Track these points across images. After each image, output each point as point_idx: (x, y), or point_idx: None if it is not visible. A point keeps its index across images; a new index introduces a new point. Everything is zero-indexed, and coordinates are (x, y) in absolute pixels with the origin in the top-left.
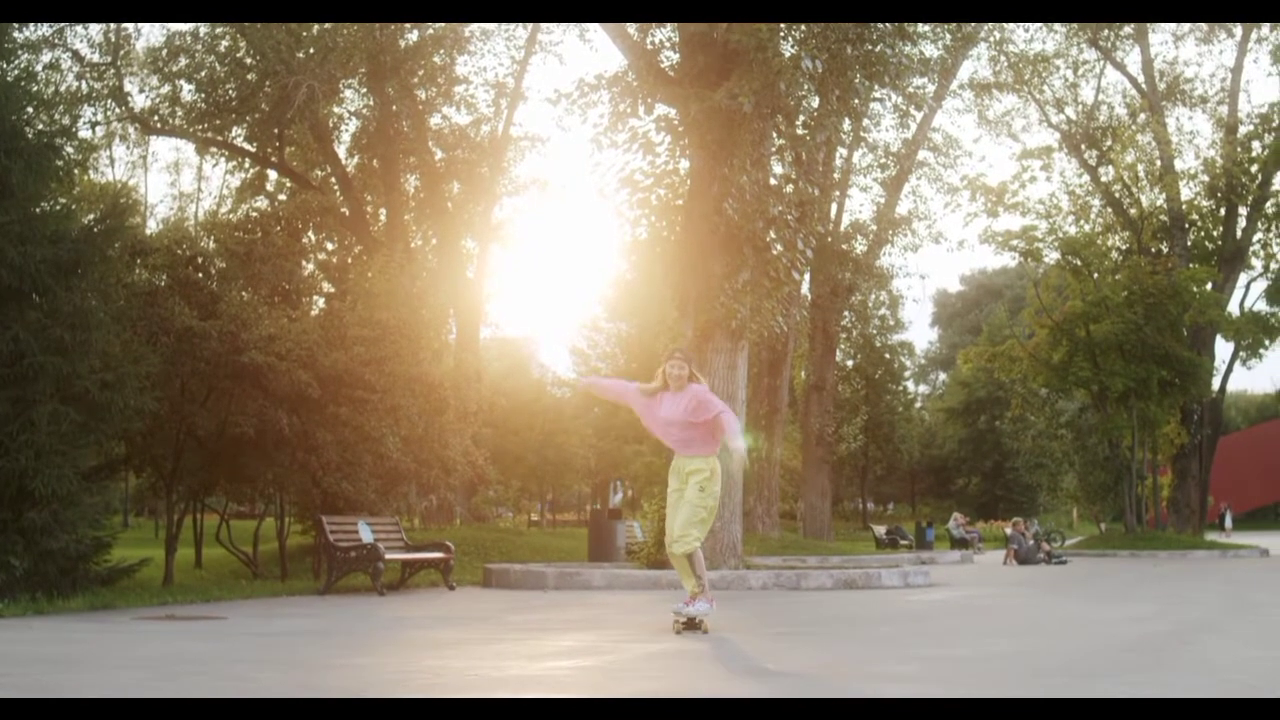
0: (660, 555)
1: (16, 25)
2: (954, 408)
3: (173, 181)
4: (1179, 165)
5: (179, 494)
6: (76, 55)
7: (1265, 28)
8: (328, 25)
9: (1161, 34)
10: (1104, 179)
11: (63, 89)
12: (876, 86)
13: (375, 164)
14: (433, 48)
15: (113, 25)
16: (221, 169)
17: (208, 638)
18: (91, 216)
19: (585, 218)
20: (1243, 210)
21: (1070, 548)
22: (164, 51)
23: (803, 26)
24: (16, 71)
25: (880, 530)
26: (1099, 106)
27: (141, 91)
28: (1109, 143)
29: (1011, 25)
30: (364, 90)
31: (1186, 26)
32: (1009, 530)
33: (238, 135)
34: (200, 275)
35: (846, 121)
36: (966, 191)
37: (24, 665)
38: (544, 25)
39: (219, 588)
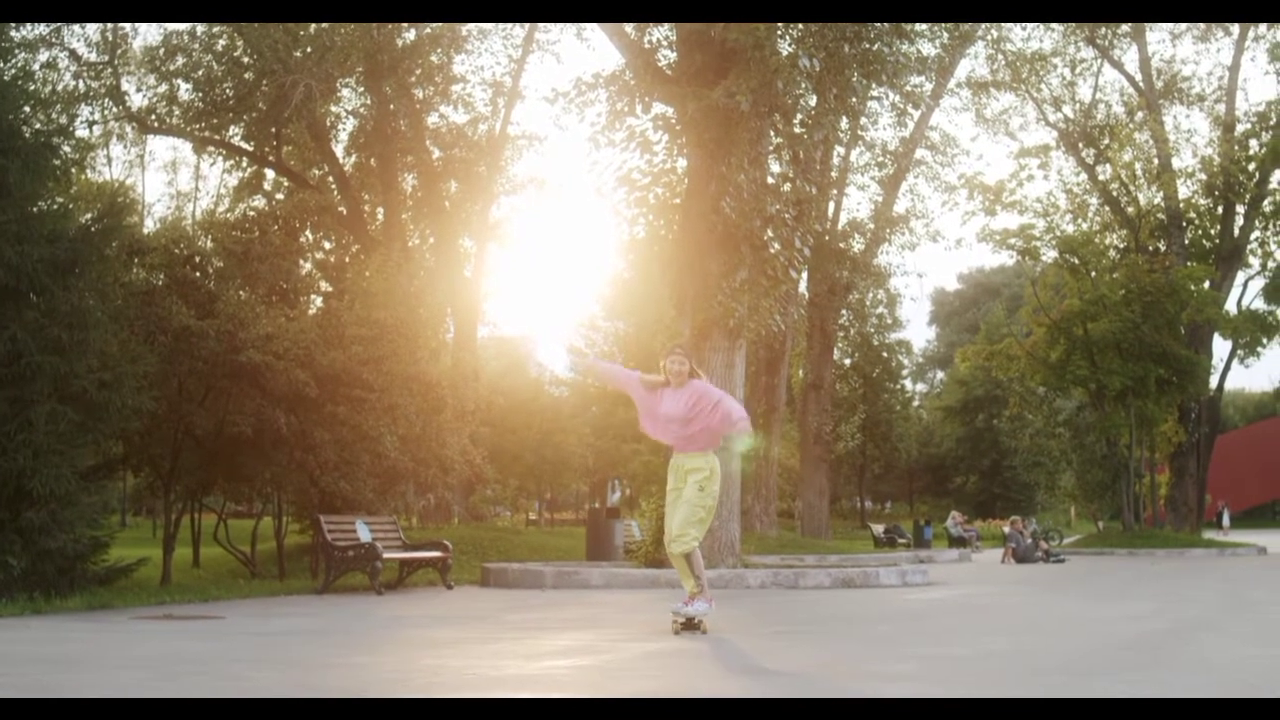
0: (658, 554)
1: (13, 24)
2: (952, 406)
3: (170, 181)
4: (1176, 163)
5: (177, 493)
6: (74, 54)
7: (1262, 26)
8: (325, 24)
9: (1159, 32)
10: (1101, 177)
11: (60, 88)
12: (874, 85)
13: (373, 163)
14: (430, 47)
15: (110, 24)
16: (219, 168)
17: (206, 637)
18: (89, 216)
19: (583, 217)
20: (1240, 208)
21: (1068, 546)
22: (161, 51)
23: (800, 25)
24: (13, 71)
25: (878, 529)
26: (1096, 105)
27: (139, 91)
28: (1106, 141)
29: (1009, 24)
30: (361, 89)
31: (1184, 25)
32: (1007, 529)
33: (235, 134)
34: (198, 274)
35: (844, 120)
36: (964, 190)
37: (22, 665)
38: (541, 24)
39: (217, 587)
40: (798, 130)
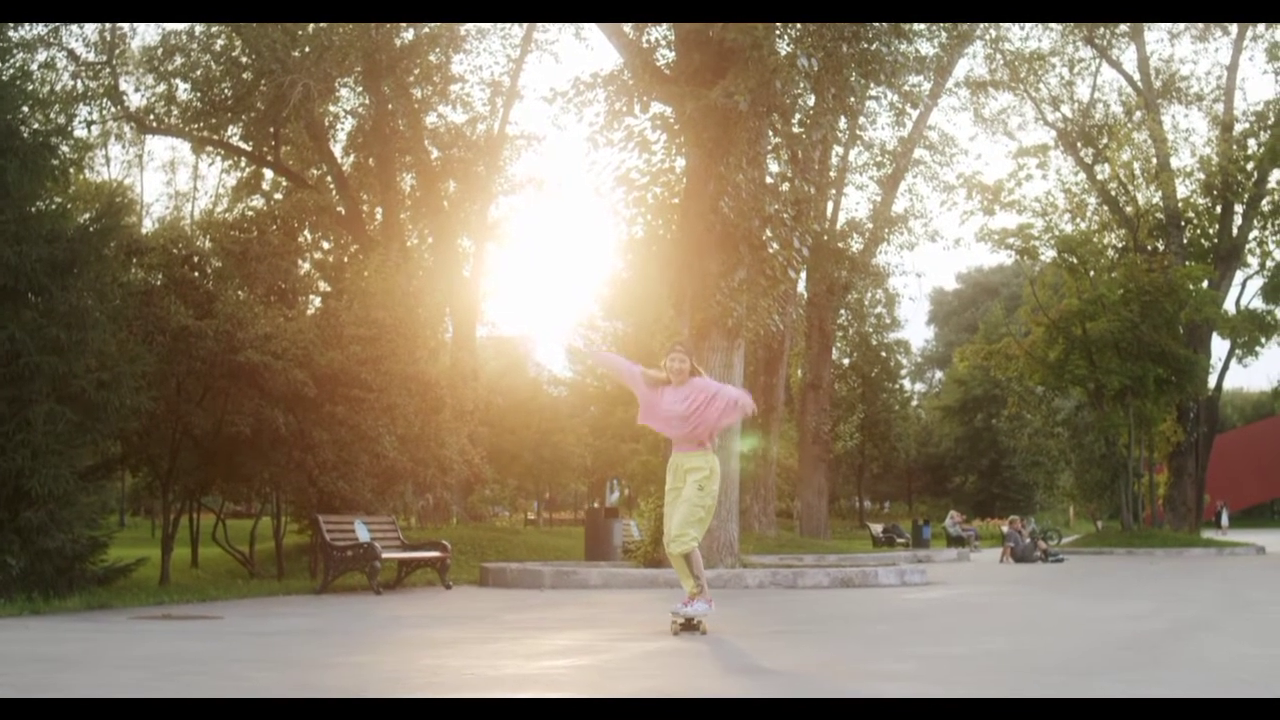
0: (657, 554)
1: (12, 24)
2: (950, 406)
3: (168, 181)
4: (1175, 163)
5: (175, 493)
6: (72, 54)
7: (1261, 25)
8: (323, 24)
9: (1157, 32)
10: (1100, 177)
11: (58, 88)
12: (872, 84)
13: (371, 163)
14: (428, 46)
15: (108, 24)
16: (217, 168)
17: (204, 637)
18: (87, 216)
19: (581, 216)
20: (1239, 208)
21: (1067, 546)
22: (159, 50)
23: (798, 25)
24: (12, 71)
25: (877, 528)
26: (1095, 104)
27: (137, 90)
28: (1105, 140)
29: (1007, 24)
30: (360, 89)
31: (1182, 25)
32: (1005, 528)
33: (233, 134)
34: (196, 274)
35: (842, 119)
36: (962, 190)
37: (20, 665)
38: (540, 24)
39: (215, 587)
40: (796, 130)
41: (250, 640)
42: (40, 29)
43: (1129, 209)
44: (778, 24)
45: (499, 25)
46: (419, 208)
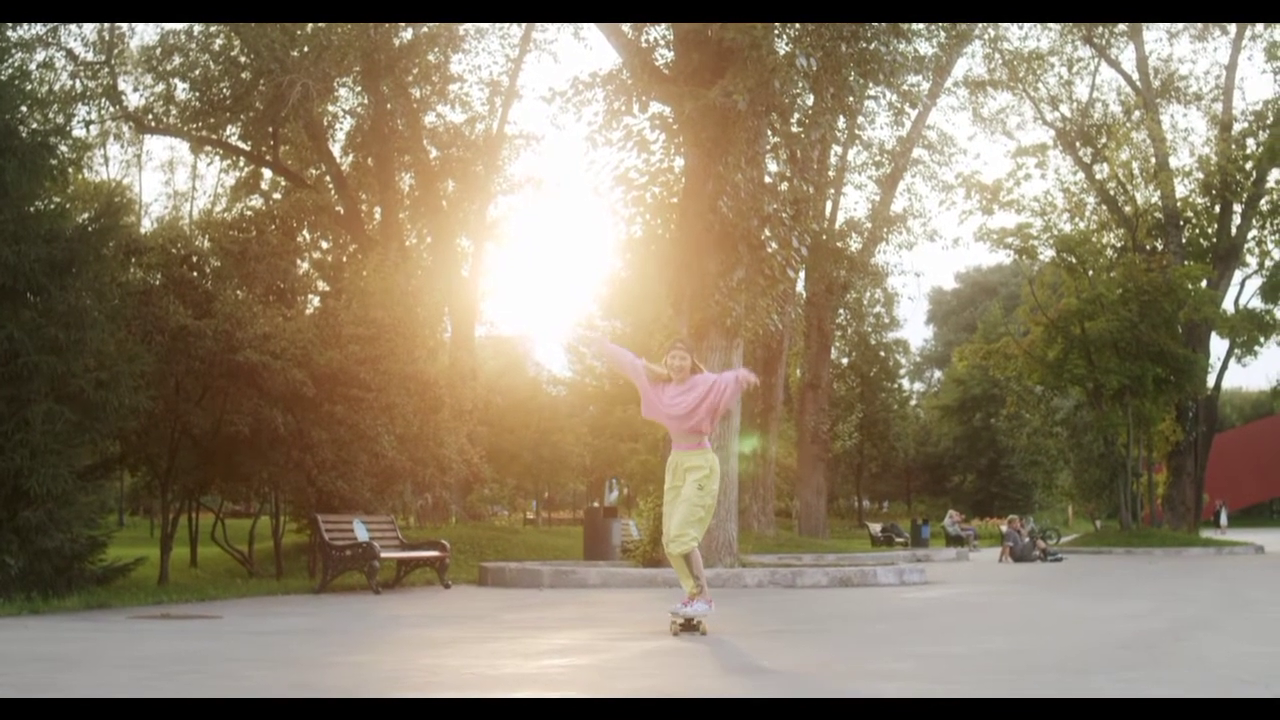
0: (656, 553)
1: (10, 24)
2: (949, 405)
3: (167, 180)
4: (1174, 162)
5: (174, 493)
6: (70, 54)
7: (1260, 25)
8: (322, 24)
9: (1156, 31)
10: (1099, 176)
11: (57, 88)
12: (871, 84)
13: (370, 162)
14: (427, 46)
15: (107, 24)
16: (216, 168)
17: (203, 637)
18: (86, 215)
19: (580, 216)
20: (1237, 207)
21: (1065, 545)
22: (158, 50)
23: (797, 24)
24: (10, 70)
25: (876, 528)
26: (1093, 104)
27: (136, 90)
28: (1104, 140)
29: (1006, 24)
30: (358, 89)
31: (1181, 24)
32: (1004, 528)
33: (232, 134)
34: (195, 274)
35: (841, 119)
36: (961, 189)
37: (19, 664)
38: (539, 24)
39: (214, 587)
40: (795, 129)
41: (249, 640)
42: (39, 29)
43: (1128, 208)
44: (776, 24)
45: (498, 25)
46: (418, 207)
